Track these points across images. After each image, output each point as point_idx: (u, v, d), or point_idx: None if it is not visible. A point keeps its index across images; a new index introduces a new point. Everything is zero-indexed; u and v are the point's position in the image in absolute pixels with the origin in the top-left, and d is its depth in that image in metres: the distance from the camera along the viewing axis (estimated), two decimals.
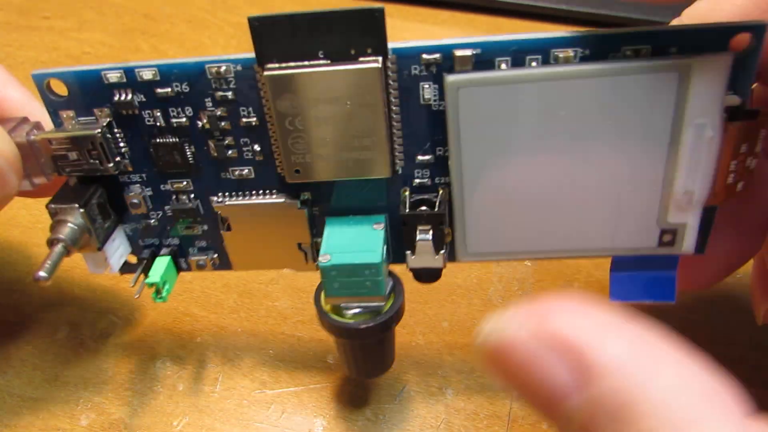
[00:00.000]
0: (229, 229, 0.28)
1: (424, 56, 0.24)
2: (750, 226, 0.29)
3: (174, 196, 0.28)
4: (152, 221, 0.29)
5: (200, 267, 0.30)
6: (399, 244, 0.28)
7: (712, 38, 0.23)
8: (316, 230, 0.29)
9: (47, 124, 0.27)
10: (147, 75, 0.25)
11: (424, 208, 0.27)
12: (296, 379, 0.33)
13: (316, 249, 0.29)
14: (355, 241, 0.27)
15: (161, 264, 0.29)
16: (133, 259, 0.30)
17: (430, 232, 0.27)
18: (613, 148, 0.24)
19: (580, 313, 0.20)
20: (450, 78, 0.24)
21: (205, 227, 0.29)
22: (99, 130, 0.25)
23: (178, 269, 0.31)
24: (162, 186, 0.28)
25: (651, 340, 0.20)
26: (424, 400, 0.32)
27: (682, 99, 0.23)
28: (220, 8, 0.40)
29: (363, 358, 0.29)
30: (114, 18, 0.40)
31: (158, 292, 0.29)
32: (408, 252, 0.28)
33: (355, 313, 0.28)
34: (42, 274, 0.24)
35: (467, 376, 0.33)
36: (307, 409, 0.32)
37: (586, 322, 0.20)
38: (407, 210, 0.27)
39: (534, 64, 0.24)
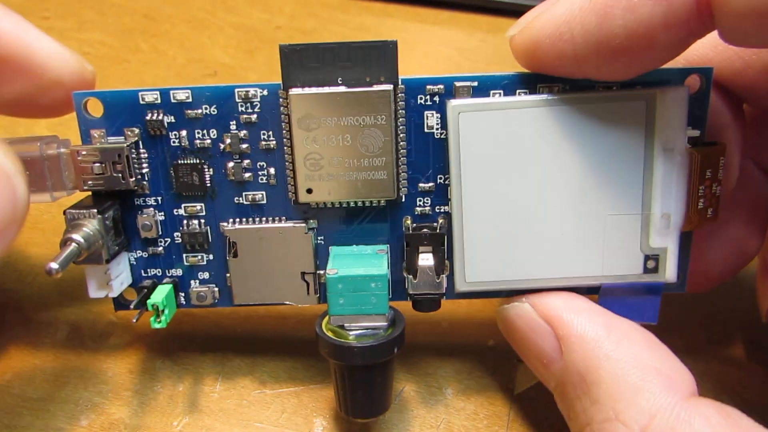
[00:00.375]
0: (236, 255, 0.29)
1: (429, 87, 0.27)
2: (747, 230, 0.31)
3: (185, 222, 0.29)
4: (160, 248, 0.30)
5: (200, 299, 0.30)
6: (399, 282, 0.29)
7: (670, 76, 0.27)
8: (321, 261, 0.30)
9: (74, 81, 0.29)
10: (180, 96, 0.28)
11: (426, 230, 0.29)
12: (296, 379, 0.33)
13: (319, 282, 0.30)
14: (361, 261, 0.28)
15: (163, 290, 0.29)
16: (131, 296, 0.30)
17: (431, 255, 0.29)
18: (597, 174, 0.27)
19: (567, 299, 0.28)
20: (452, 103, 0.27)
21: (211, 257, 0.30)
22: (127, 144, 0.27)
23: (177, 305, 0.31)
24: (175, 210, 0.29)
25: (619, 325, 0.26)
26: (424, 400, 0.32)
27: (651, 126, 0.27)
28: (220, 8, 0.41)
29: (358, 388, 0.28)
30: (114, 18, 0.41)
31: (158, 315, 0.28)
32: (409, 276, 0.29)
33: (356, 335, 0.28)
34: (54, 265, 0.25)
35: (467, 376, 0.33)
36: (307, 409, 0.31)
37: (570, 305, 0.27)
38: (410, 232, 0.29)
39: (522, 94, 0.27)
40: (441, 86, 0.27)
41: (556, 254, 0.29)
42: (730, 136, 0.28)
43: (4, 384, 0.32)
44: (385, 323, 0.28)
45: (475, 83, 0.27)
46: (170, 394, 0.32)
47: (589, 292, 0.30)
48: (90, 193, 0.29)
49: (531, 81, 0.27)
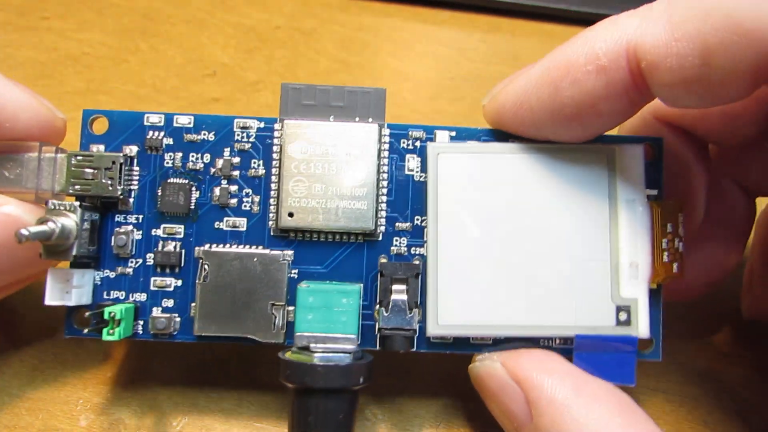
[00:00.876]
0: (205, 280, 0.29)
1: (412, 132, 0.30)
2: (727, 247, 0.32)
3: (161, 243, 0.29)
4: (129, 269, 0.29)
5: (159, 327, 0.29)
6: (369, 327, 0.29)
7: (628, 140, 0.30)
8: (292, 296, 0.29)
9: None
10: (183, 120, 0.30)
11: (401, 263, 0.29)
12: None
13: (287, 319, 0.29)
14: (334, 285, 0.28)
15: (123, 306, 0.28)
16: (86, 322, 0.29)
17: (405, 289, 0.28)
18: (567, 221, 0.29)
19: (539, 358, 0.27)
20: (432, 144, 0.30)
21: (179, 282, 0.29)
22: (123, 155, 0.29)
23: (133, 333, 0.29)
24: (154, 230, 0.29)
25: (590, 387, 0.26)
26: (424, 400, 0.31)
27: (612, 178, 0.29)
28: (219, 8, 0.42)
29: (316, 421, 0.26)
30: (113, 18, 0.41)
31: (114, 324, 0.27)
32: (381, 309, 0.28)
33: (321, 357, 0.26)
34: (25, 231, 0.24)
35: (467, 376, 0.30)
36: None
37: (541, 366, 0.27)
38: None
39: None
40: (423, 132, 0.30)
41: (530, 300, 0.29)
42: (694, 176, 0.31)
43: (3, 384, 0.32)
44: (354, 347, 0.27)
45: (454, 133, 0.30)
46: (170, 394, 0.32)
47: (564, 343, 0.29)
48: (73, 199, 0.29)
49: (503, 135, 0.30)
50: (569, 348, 0.29)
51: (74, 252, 0.27)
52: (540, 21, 0.42)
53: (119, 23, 0.42)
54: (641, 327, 0.28)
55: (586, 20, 0.42)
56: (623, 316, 0.29)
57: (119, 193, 0.29)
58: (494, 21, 0.42)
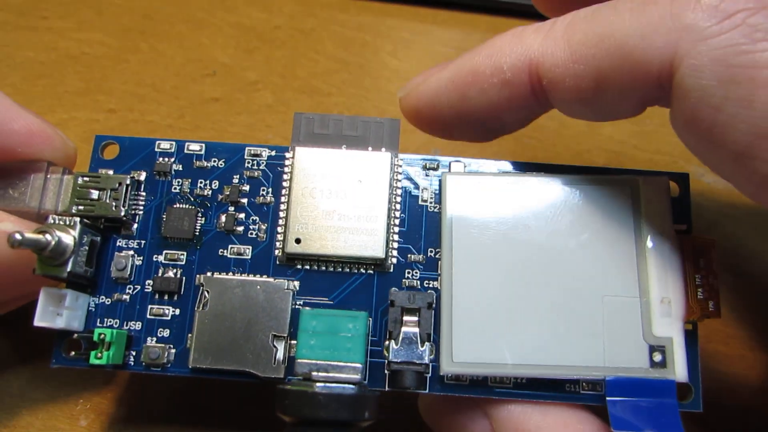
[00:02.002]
0: (205, 307, 0.27)
1: (426, 162, 0.29)
2: None
3: (162, 269, 0.28)
4: (126, 295, 0.28)
5: (152, 357, 0.27)
6: (377, 366, 0.27)
7: (651, 174, 0.29)
8: (294, 329, 0.27)
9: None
10: (194, 147, 0.30)
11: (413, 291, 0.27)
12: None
13: (289, 353, 0.27)
14: (339, 310, 0.26)
15: (115, 330, 0.26)
16: (76, 348, 0.27)
17: (416, 321, 0.26)
18: (591, 255, 0.27)
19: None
20: (447, 176, 0.28)
21: (177, 311, 0.28)
22: (130, 177, 0.28)
23: (125, 364, 0.27)
24: (155, 256, 0.28)
25: None
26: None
27: (638, 211, 0.28)
28: (219, 8, 0.41)
29: None
30: (113, 18, 0.41)
31: (103, 347, 0.25)
32: (391, 342, 0.26)
33: (322, 387, 0.24)
34: (18, 236, 0.23)
35: None
36: None
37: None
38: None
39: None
40: (437, 163, 0.29)
41: (554, 339, 0.26)
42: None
43: (4, 384, 0.32)
44: (359, 377, 0.24)
45: (470, 165, 0.29)
46: (170, 394, 0.31)
47: (592, 388, 0.26)
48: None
49: (520, 168, 0.29)
50: (598, 395, 0.26)
51: (69, 268, 0.26)
52: (539, 21, 0.43)
53: (119, 23, 0.41)
54: (678, 369, 0.26)
55: None
56: (658, 357, 0.26)
57: (123, 214, 0.28)
58: (494, 21, 0.42)
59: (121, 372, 0.32)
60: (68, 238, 0.26)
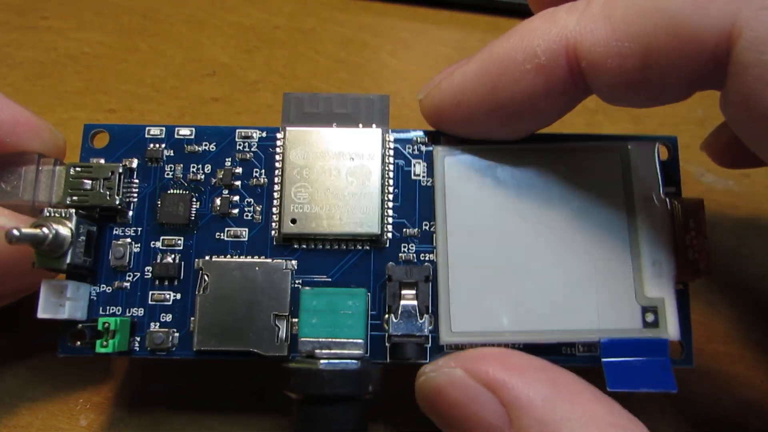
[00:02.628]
0: (205, 291, 0.27)
1: (416, 137, 0.29)
2: None
3: (160, 255, 0.28)
4: (126, 283, 0.28)
5: (157, 342, 0.27)
6: (378, 339, 0.27)
7: (641, 139, 0.29)
8: (295, 307, 0.28)
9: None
10: (184, 132, 0.29)
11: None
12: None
13: (291, 330, 0.27)
14: (339, 288, 0.27)
15: (119, 318, 0.27)
16: (79, 341, 0.27)
17: (415, 294, 0.27)
18: (583, 220, 0.28)
19: (503, 357, 0.24)
20: (438, 148, 0.29)
21: (178, 296, 0.28)
22: (123, 165, 0.28)
23: (130, 350, 0.27)
24: (153, 242, 0.28)
25: (567, 381, 0.24)
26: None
27: (627, 175, 0.28)
28: (219, 8, 0.41)
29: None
30: (112, 18, 0.41)
31: (108, 336, 0.25)
32: (390, 316, 0.27)
33: (326, 363, 0.24)
34: (16, 232, 0.23)
35: None
36: None
37: (509, 364, 0.24)
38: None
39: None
40: (427, 138, 0.29)
41: (549, 305, 0.27)
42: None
43: (4, 384, 0.32)
44: (361, 352, 0.25)
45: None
46: (169, 394, 0.31)
47: (588, 350, 0.27)
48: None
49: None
50: (594, 356, 0.27)
51: (68, 260, 0.26)
52: None
53: (118, 23, 0.41)
54: (671, 328, 0.26)
55: None
56: (650, 318, 0.27)
57: (117, 202, 0.28)
58: (494, 21, 0.42)
59: (121, 372, 0.32)
60: (65, 231, 0.26)
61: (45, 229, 0.25)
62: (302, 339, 0.25)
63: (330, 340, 0.25)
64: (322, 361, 0.24)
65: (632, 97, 0.24)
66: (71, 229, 0.26)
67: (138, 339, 0.28)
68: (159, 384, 0.31)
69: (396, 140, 0.29)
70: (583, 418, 0.22)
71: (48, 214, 0.26)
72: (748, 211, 0.37)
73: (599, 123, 0.38)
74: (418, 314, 0.26)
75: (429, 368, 0.25)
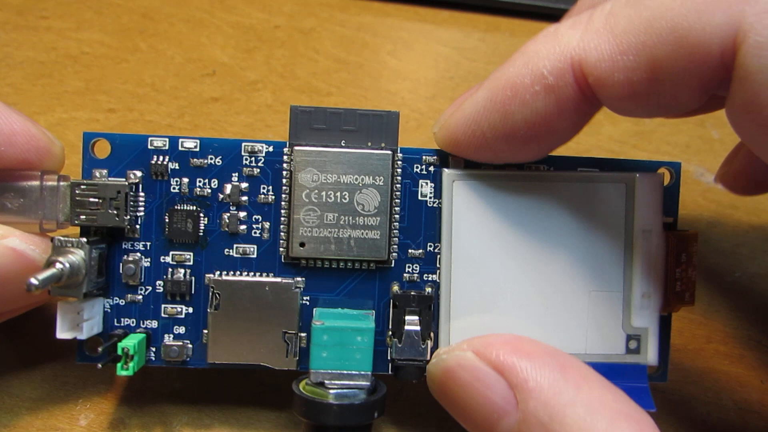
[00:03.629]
0: (217, 308, 0.29)
1: (425, 157, 0.29)
2: None
3: (171, 270, 0.29)
4: (139, 296, 0.29)
5: (172, 354, 0.29)
6: (381, 353, 0.29)
7: (644, 167, 0.30)
8: (304, 323, 0.29)
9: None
10: (188, 144, 0.29)
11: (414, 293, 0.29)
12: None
13: (300, 345, 0.29)
14: (348, 318, 0.28)
15: (135, 337, 0.28)
16: (98, 345, 0.29)
17: (417, 320, 0.28)
18: (582, 250, 0.29)
19: (513, 342, 0.25)
20: (447, 171, 0.29)
21: (190, 310, 0.29)
22: (128, 182, 0.28)
23: (146, 360, 0.29)
24: (162, 257, 0.29)
25: (575, 366, 0.24)
26: (424, 399, 0.30)
27: (630, 208, 0.29)
28: (219, 8, 0.41)
29: None
30: (112, 18, 0.41)
31: (126, 360, 0.27)
32: (395, 340, 0.28)
33: (336, 394, 0.26)
34: (34, 281, 0.24)
35: None
36: None
37: (519, 348, 0.24)
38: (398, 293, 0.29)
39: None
40: (437, 158, 0.29)
41: (542, 329, 0.29)
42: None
43: (3, 384, 0.32)
44: (368, 383, 0.27)
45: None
46: (169, 394, 0.31)
47: None
48: (78, 229, 0.28)
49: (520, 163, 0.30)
50: None
51: (84, 290, 0.26)
52: (539, 20, 0.41)
53: (118, 23, 0.41)
54: (650, 355, 0.29)
55: None
56: (633, 345, 0.29)
57: (126, 223, 0.28)
58: (493, 20, 0.41)
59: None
60: (78, 260, 0.26)
61: (59, 265, 0.25)
62: (313, 371, 0.27)
63: (339, 372, 0.27)
64: (331, 391, 0.26)
65: (643, 109, 0.24)
66: (84, 260, 0.26)
67: (153, 349, 0.29)
68: (159, 384, 0.32)
69: (404, 159, 0.29)
70: (590, 404, 0.22)
71: (58, 244, 0.26)
72: (748, 211, 0.38)
73: (599, 123, 0.38)
74: (420, 340, 0.28)
75: (443, 350, 0.26)
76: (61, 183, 0.28)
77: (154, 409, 0.32)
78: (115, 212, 0.28)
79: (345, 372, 0.27)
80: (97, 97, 0.38)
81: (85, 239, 0.27)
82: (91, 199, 0.28)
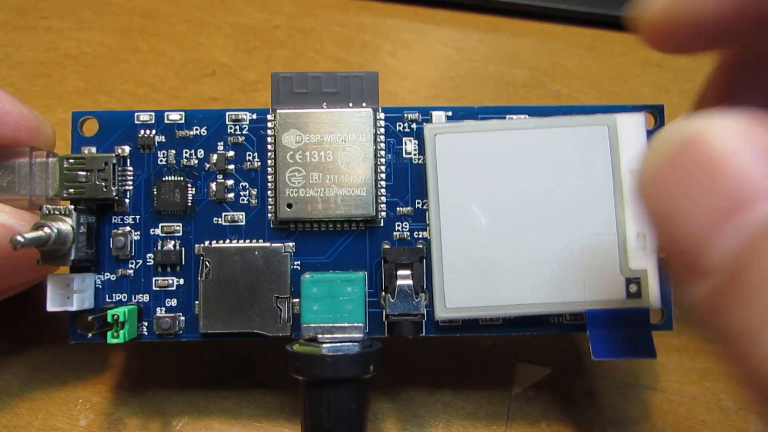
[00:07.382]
0: (207, 277, 0.28)
1: (407, 114, 0.30)
2: None
3: (160, 242, 0.29)
4: (129, 270, 0.29)
5: (164, 327, 0.28)
6: (376, 315, 0.28)
7: (626, 110, 0.30)
8: (295, 288, 0.29)
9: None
10: (174, 116, 0.29)
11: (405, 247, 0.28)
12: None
13: (293, 310, 0.28)
14: (338, 274, 0.28)
15: (126, 308, 0.28)
16: (90, 326, 0.28)
17: (410, 274, 0.28)
18: (570, 196, 0.28)
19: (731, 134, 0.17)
20: (429, 126, 0.29)
21: (181, 281, 0.29)
22: (116, 155, 0.28)
23: (138, 335, 0.29)
24: (152, 230, 0.29)
25: None
26: (423, 399, 0.31)
27: (615, 148, 0.29)
28: (219, 8, 0.42)
29: (328, 411, 0.25)
30: (112, 18, 0.41)
31: (117, 327, 0.26)
32: (387, 296, 0.28)
33: (329, 348, 0.26)
34: (20, 238, 0.24)
35: (466, 375, 0.32)
36: None
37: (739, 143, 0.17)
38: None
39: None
40: (418, 114, 0.30)
41: (537, 278, 0.28)
42: None
43: (4, 384, 0.32)
44: (361, 335, 0.26)
45: (450, 112, 0.30)
46: (169, 394, 0.32)
47: (575, 319, 0.29)
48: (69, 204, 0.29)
49: (500, 111, 0.30)
50: (580, 324, 0.29)
51: (72, 256, 0.26)
52: (539, 21, 0.42)
53: (118, 23, 0.41)
54: (652, 298, 0.28)
55: (586, 20, 0.42)
56: (633, 289, 0.28)
57: (114, 194, 0.28)
58: (493, 21, 0.41)
59: (121, 372, 0.33)
60: (66, 227, 0.26)
61: (47, 229, 0.25)
62: (305, 325, 0.26)
63: (331, 325, 0.26)
64: (324, 345, 0.26)
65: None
66: (72, 226, 0.26)
67: (146, 324, 0.29)
68: (159, 384, 0.32)
69: (387, 118, 0.30)
70: None
71: (47, 212, 0.26)
72: None
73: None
74: (413, 293, 0.28)
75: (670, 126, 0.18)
76: (50, 159, 0.28)
77: (153, 409, 0.32)
78: (103, 184, 0.28)
79: (337, 325, 0.26)
80: (96, 97, 0.39)
81: (73, 207, 0.27)
82: (80, 173, 0.28)
